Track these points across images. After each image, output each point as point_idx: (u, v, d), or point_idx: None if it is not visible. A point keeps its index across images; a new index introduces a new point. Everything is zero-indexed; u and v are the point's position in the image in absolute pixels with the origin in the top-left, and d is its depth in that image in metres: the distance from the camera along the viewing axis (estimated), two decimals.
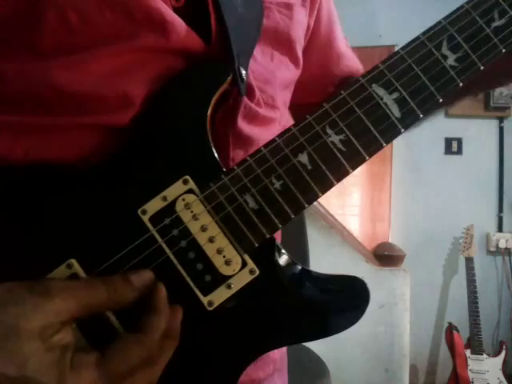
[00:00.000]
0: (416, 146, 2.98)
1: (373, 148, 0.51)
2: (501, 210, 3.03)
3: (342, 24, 0.82)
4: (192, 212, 0.48)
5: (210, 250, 0.48)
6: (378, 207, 3.12)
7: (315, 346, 1.72)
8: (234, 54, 0.52)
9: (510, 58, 0.56)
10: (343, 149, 0.50)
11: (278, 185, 0.49)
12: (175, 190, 0.48)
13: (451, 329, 2.68)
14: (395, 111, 0.51)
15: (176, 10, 0.51)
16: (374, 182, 3.11)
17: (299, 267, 0.53)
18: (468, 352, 2.61)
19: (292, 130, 0.50)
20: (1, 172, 0.47)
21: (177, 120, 0.50)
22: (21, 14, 0.46)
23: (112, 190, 0.48)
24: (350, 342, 2.24)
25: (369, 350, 2.29)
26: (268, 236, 0.49)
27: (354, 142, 0.50)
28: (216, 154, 0.50)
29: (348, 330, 0.51)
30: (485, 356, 2.61)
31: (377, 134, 0.51)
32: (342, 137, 0.50)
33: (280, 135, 0.50)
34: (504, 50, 0.53)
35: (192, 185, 0.48)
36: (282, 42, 0.64)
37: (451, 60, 0.52)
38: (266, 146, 0.50)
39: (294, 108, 0.75)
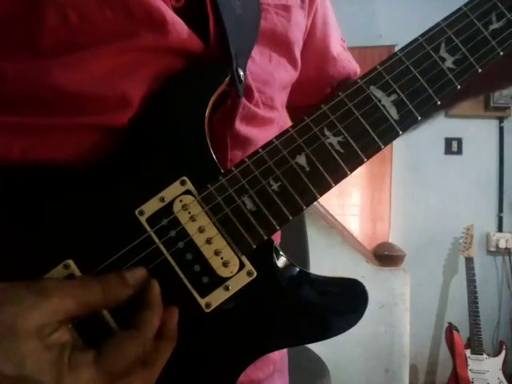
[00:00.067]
0: (416, 146, 2.98)
1: (371, 150, 0.51)
2: (501, 210, 3.03)
3: (342, 24, 0.82)
4: (190, 213, 0.48)
5: (207, 251, 0.48)
6: (378, 207, 3.12)
7: (315, 345, 1.72)
8: (232, 55, 0.52)
9: (510, 61, 0.56)
10: (341, 151, 0.50)
11: (275, 186, 0.49)
12: (173, 190, 0.48)
13: (451, 329, 2.68)
14: (393, 113, 0.51)
15: (176, 11, 0.51)
16: (374, 181, 3.11)
17: (297, 269, 0.52)
18: (468, 352, 2.61)
19: (290, 131, 0.50)
20: None
21: (175, 120, 0.50)
22: (20, 13, 0.46)
23: (109, 191, 0.48)
24: (350, 342, 2.24)
25: (369, 350, 2.29)
26: (266, 238, 0.49)
27: (352, 143, 0.50)
28: (214, 155, 0.50)
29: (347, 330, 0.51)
30: (485, 356, 2.61)
31: (375, 136, 0.51)
32: (340, 138, 0.50)
33: (278, 136, 0.50)
34: (502, 53, 0.53)
35: (189, 186, 0.48)
36: (279, 44, 0.64)
37: (449, 62, 0.52)
38: (263, 147, 0.50)
39: (292, 109, 0.76)
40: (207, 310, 0.47)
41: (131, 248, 0.46)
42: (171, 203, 0.48)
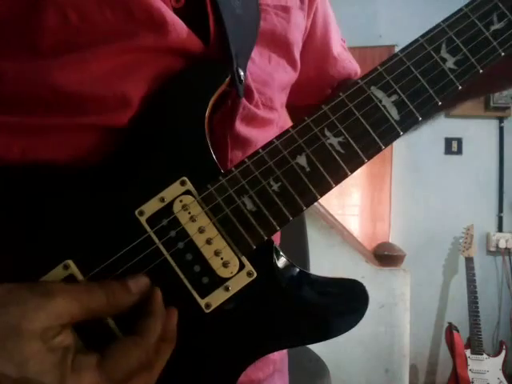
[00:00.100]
0: (416, 146, 2.98)
1: (371, 151, 0.51)
2: (501, 209, 3.03)
3: (343, 24, 0.82)
4: (189, 213, 0.48)
5: (207, 251, 0.48)
6: (378, 207, 3.12)
7: (315, 345, 1.72)
8: (233, 55, 0.52)
9: (511, 61, 0.56)
10: (342, 151, 0.50)
11: (276, 187, 0.49)
12: (173, 191, 0.48)
13: (451, 329, 2.68)
14: (394, 114, 0.51)
15: (176, 11, 0.51)
16: (374, 181, 3.11)
17: (297, 270, 0.52)
18: (468, 352, 2.61)
19: (290, 131, 0.50)
20: None
21: (175, 121, 0.50)
22: (20, 13, 0.46)
23: (109, 191, 0.48)
24: (350, 342, 2.24)
25: (369, 350, 2.29)
26: (266, 238, 0.49)
27: (353, 144, 0.50)
28: (214, 156, 0.50)
29: None
30: (485, 356, 2.61)
31: (375, 137, 0.50)
32: (340, 139, 0.50)
33: (278, 137, 0.50)
34: (503, 54, 0.53)
35: (189, 186, 0.48)
36: (279, 45, 0.64)
37: (450, 63, 0.52)
38: (264, 147, 0.50)
39: (292, 110, 0.75)
40: (207, 311, 0.47)
41: (131, 248, 0.46)
42: (171, 203, 0.48)
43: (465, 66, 0.52)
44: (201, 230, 0.48)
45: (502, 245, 2.95)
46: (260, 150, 0.50)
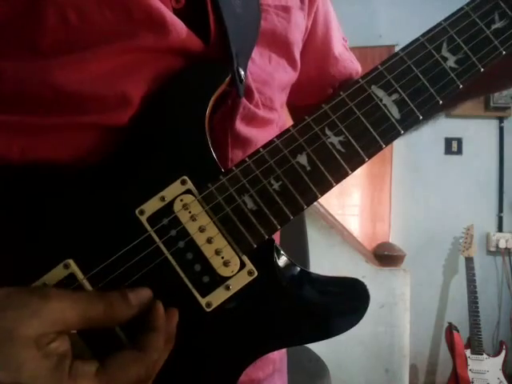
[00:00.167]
0: (416, 146, 2.98)
1: (372, 149, 0.51)
2: (501, 209, 3.03)
3: (343, 24, 0.82)
4: (190, 212, 0.48)
5: (208, 250, 0.48)
6: (378, 207, 3.12)
7: (315, 345, 1.72)
8: (233, 54, 0.52)
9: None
10: (342, 150, 0.50)
11: (276, 186, 0.49)
12: (173, 190, 0.48)
13: (451, 329, 2.68)
14: (395, 113, 0.51)
15: (176, 12, 0.51)
16: (374, 181, 3.11)
17: (298, 269, 0.52)
18: (468, 352, 2.61)
19: (291, 130, 0.50)
20: None
21: (175, 120, 0.50)
22: (20, 12, 0.46)
23: (110, 190, 0.48)
24: (350, 341, 2.24)
25: (369, 349, 2.29)
26: (267, 237, 0.49)
27: (354, 143, 0.50)
28: (214, 155, 0.50)
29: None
30: (485, 356, 2.61)
31: (376, 136, 0.50)
32: (341, 138, 0.50)
33: (279, 136, 0.50)
34: (504, 52, 0.53)
35: (190, 185, 0.48)
36: (279, 45, 0.64)
37: (451, 62, 0.52)
38: (264, 146, 0.50)
39: (293, 109, 0.75)
40: (208, 310, 0.47)
41: (132, 247, 0.46)
42: (172, 203, 0.48)
43: (466, 65, 0.52)
44: (201, 229, 0.48)
45: (502, 245, 2.95)
46: (260, 149, 0.49)
